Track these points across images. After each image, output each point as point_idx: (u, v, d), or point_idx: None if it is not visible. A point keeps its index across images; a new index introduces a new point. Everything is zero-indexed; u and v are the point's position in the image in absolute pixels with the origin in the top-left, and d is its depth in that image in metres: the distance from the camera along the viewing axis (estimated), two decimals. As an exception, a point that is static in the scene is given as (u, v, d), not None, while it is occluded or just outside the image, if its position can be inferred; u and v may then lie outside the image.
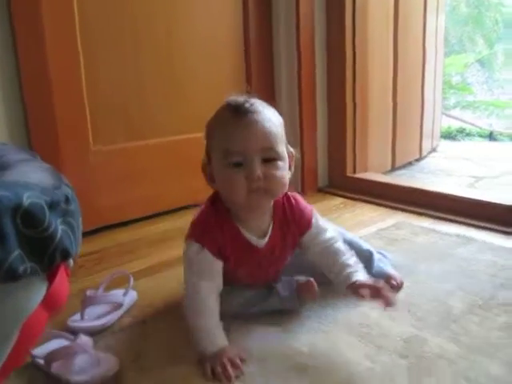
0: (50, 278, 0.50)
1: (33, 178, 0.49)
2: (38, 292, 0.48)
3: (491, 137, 3.55)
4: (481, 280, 1.13)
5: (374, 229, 1.50)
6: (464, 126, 3.73)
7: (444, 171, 2.27)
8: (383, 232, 1.47)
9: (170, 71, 1.65)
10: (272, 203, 0.94)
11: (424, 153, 2.56)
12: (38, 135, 1.38)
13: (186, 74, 1.68)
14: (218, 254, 0.91)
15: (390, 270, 1.10)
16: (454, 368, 0.83)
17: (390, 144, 2.27)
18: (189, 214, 1.63)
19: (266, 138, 0.86)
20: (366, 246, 1.12)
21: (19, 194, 0.43)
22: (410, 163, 2.43)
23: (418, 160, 2.48)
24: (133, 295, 1.12)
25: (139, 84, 1.59)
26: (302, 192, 1.90)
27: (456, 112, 4.46)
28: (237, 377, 0.83)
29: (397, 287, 1.07)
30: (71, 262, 0.56)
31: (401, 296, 1.06)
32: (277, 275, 1.04)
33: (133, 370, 0.87)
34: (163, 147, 1.66)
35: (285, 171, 0.89)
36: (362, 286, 0.89)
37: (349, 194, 1.86)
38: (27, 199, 0.43)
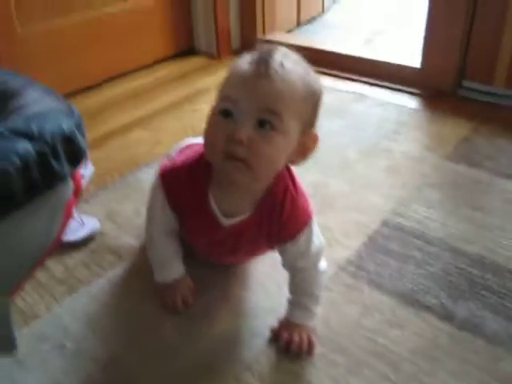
0: (74, 174, 0.72)
1: (54, 106, 0.68)
2: (70, 184, 0.69)
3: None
4: (369, 132, 1.44)
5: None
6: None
7: (344, 26, 2.48)
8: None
9: None
10: (261, 187, 0.77)
11: (326, 6, 2.73)
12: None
13: None
14: (173, 207, 0.83)
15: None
16: (347, 201, 1.16)
17: (295, 1, 2.42)
18: (121, 84, 1.79)
19: (272, 97, 0.67)
20: None
21: (60, 124, 0.62)
22: (314, 18, 2.61)
23: (321, 14, 2.66)
24: (90, 167, 1.32)
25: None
26: (218, 55, 2.07)
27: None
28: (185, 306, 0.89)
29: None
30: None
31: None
32: (246, 260, 0.97)
33: (109, 225, 1.12)
34: (89, 21, 1.73)
35: (280, 149, 0.69)
36: (283, 333, 0.82)
37: (261, 56, 2.05)
38: (66, 126, 0.62)
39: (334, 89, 1.72)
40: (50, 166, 0.59)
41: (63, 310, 0.91)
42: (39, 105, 0.67)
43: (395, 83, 1.72)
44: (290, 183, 0.79)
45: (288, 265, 0.84)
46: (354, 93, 1.69)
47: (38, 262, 0.71)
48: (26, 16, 1.55)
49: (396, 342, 0.83)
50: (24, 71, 1.55)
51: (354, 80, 1.78)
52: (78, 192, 0.75)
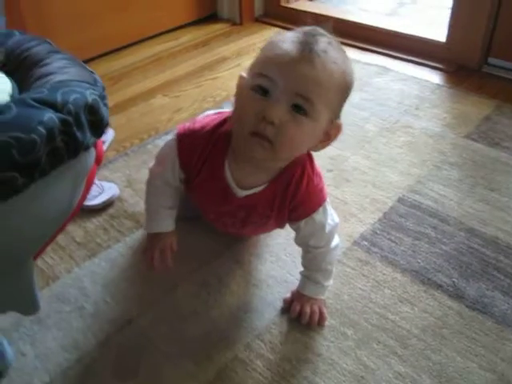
0: (96, 143, 0.73)
1: (78, 75, 0.69)
2: (93, 154, 0.71)
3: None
4: (390, 107, 1.43)
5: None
6: None
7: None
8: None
9: None
10: (278, 166, 0.77)
11: (353, -27, 2.66)
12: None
13: None
14: (185, 169, 0.82)
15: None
16: (365, 177, 1.17)
17: (321, -33, 2.37)
18: (144, 49, 1.79)
19: (310, 84, 0.66)
20: None
21: (84, 94, 0.63)
22: (340, -15, 2.55)
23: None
24: (111, 132, 1.34)
25: None
26: (240, 22, 2.05)
27: None
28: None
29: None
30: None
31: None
32: (253, 235, 0.99)
33: (128, 191, 1.14)
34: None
35: (307, 135, 0.70)
36: (295, 305, 0.85)
37: (283, 24, 2.02)
38: (89, 96, 0.63)
39: (356, 61, 1.69)
40: (74, 135, 0.60)
41: (83, 273, 0.94)
42: (63, 74, 0.68)
43: (419, 57, 1.68)
44: (308, 164, 0.80)
45: (301, 242, 0.85)
46: (376, 65, 1.66)
47: (60, 227, 0.73)
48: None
49: (405, 319, 0.84)
50: (48, 35, 1.54)
51: (378, 52, 1.75)
52: (99, 161, 0.76)
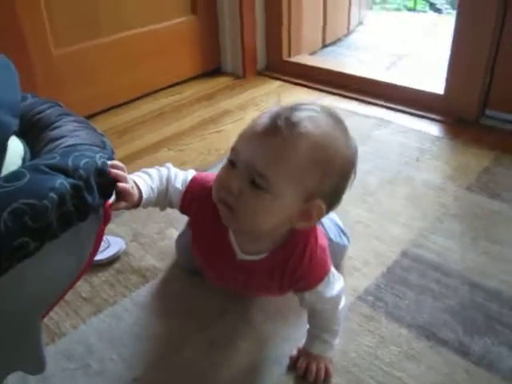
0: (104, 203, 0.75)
1: (88, 138, 0.71)
2: (101, 214, 0.73)
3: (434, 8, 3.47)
4: (391, 159, 1.46)
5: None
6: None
7: (369, 48, 2.50)
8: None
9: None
10: (270, 237, 0.77)
11: (352, 27, 2.76)
12: (5, 45, 1.48)
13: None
14: (183, 209, 0.85)
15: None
16: (368, 230, 1.18)
17: (321, 22, 2.45)
18: (149, 103, 1.84)
19: (264, 159, 0.66)
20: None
21: (94, 158, 0.65)
22: (339, 39, 2.64)
23: (346, 35, 2.69)
24: (117, 186, 1.36)
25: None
26: (243, 76, 2.11)
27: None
28: None
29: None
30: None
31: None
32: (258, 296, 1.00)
33: (134, 245, 1.15)
34: (119, 42, 1.78)
35: (265, 209, 0.69)
36: (301, 362, 0.85)
37: (285, 78, 2.08)
38: (99, 160, 0.66)
39: (356, 113, 1.74)
40: (84, 199, 0.62)
41: (89, 329, 0.94)
42: (73, 137, 0.71)
43: (418, 109, 1.73)
44: (312, 236, 0.79)
45: (306, 307, 0.85)
46: (375, 118, 1.70)
47: (68, 287, 0.74)
48: (60, 39, 1.61)
49: (412, 376, 0.84)
50: (57, 90, 1.62)
51: (377, 105, 1.80)
52: (107, 220, 0.78)
